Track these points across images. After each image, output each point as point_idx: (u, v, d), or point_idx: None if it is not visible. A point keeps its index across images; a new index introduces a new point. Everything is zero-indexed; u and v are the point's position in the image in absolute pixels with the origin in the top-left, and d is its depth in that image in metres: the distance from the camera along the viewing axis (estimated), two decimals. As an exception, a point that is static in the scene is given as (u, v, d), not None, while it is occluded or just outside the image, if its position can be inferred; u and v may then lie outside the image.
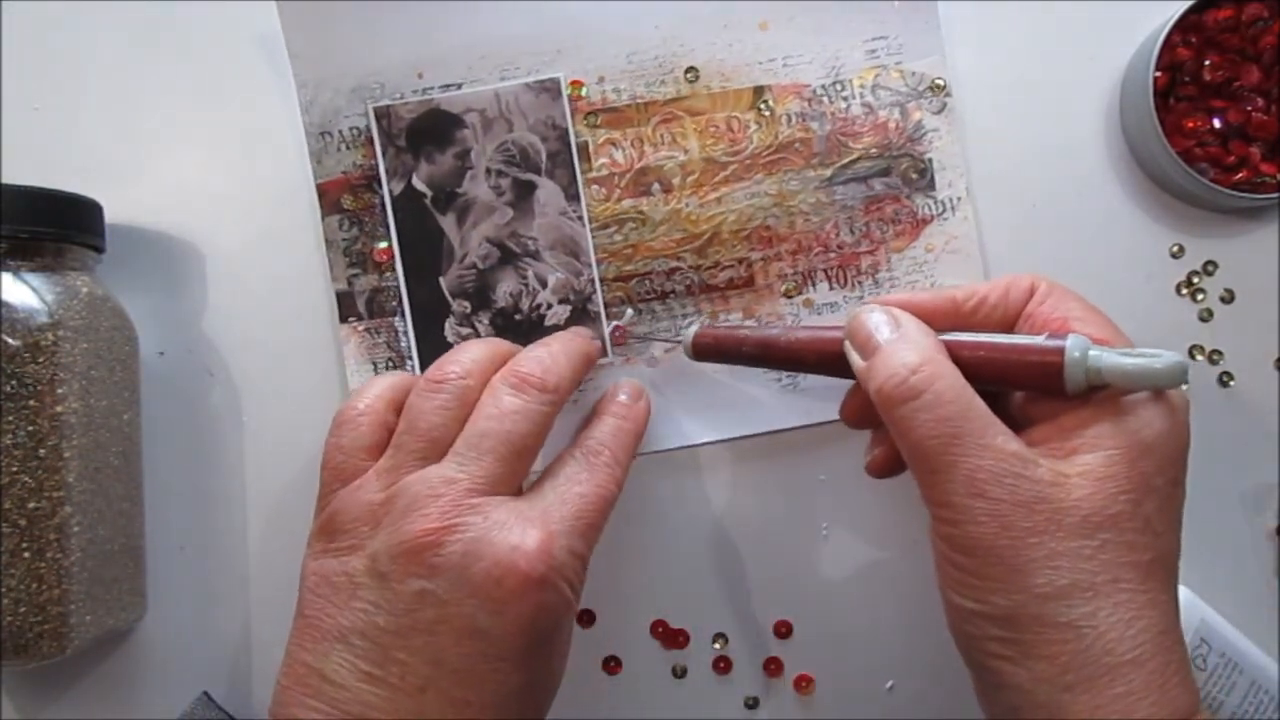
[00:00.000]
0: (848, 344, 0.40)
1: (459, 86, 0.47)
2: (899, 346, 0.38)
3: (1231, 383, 0.49)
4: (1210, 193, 0.46)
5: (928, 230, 0.48)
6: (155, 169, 0.48)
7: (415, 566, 0.36)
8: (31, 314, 0.41)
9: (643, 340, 0.48)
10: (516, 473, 0.39)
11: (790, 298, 0.48)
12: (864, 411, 0.43)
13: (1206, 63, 0.46)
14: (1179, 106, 0.47)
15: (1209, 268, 0.49)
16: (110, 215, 0.46)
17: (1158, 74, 0.46)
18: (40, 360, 0.41)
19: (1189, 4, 0.46)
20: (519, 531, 0.37)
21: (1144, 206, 0.49)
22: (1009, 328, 0.41)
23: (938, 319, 0.40)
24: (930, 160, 0.48)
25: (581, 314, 0.48)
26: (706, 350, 0.45)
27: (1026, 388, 0.38)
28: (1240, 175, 0.46)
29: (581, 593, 0.39)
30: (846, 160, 0.48)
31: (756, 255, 0.48)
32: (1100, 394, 0.37)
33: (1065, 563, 0.34)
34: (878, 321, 0.39)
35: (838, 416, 0.47)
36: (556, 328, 0.48)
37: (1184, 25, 0.46)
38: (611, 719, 0.49)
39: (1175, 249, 0.49)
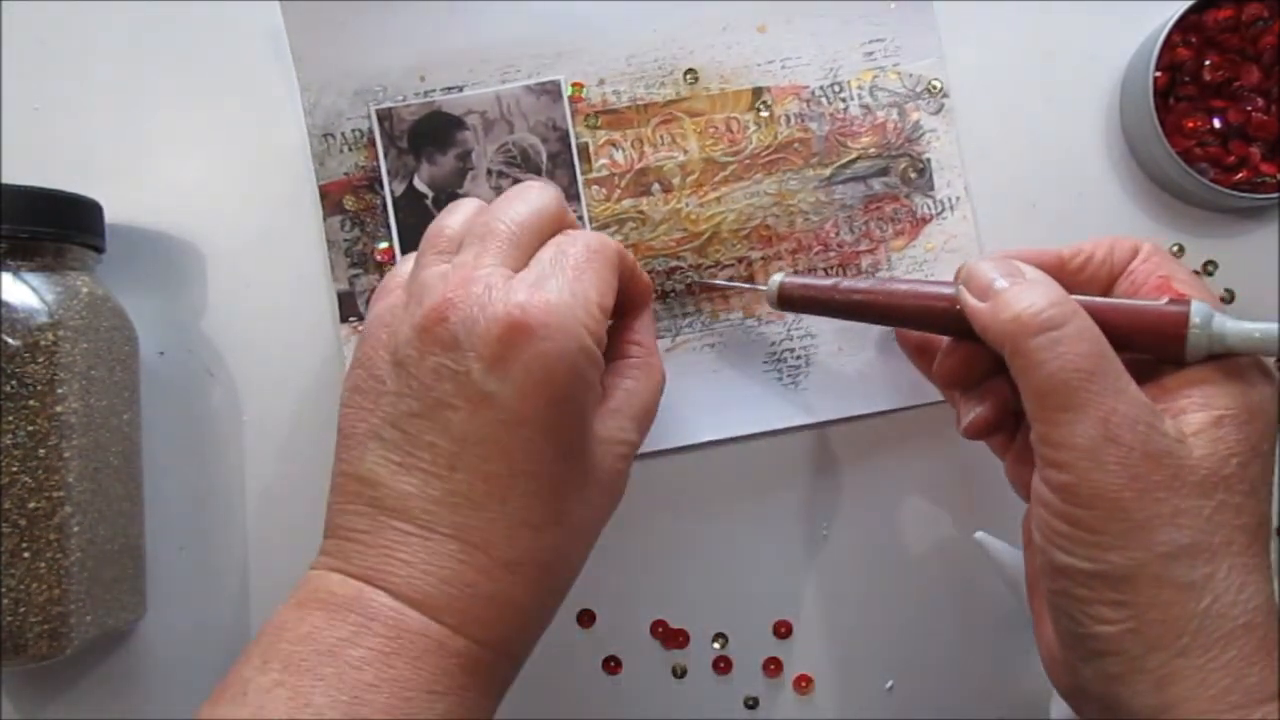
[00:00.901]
0: (962, 288, 0.39)
1: (460, 89, 0.48)
2: (1029, 286, 0.36)
3: (1231, 383, 0.49)
4: (1210, 193, 0.46)
5: (927, 229, 0.48)
6: (155, 169, 0.48)
7: (426, 344, 0.35)
8: (31, 314, 0.41)
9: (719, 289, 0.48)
10: (524, 249, 0.38)
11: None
12: (961, 369, 0.42)
13: (1206, 63, 0.46)
14: (1179, 106, 0.47)
15: (1209, 268, 0.49)
16: (110, 215, 0.46)
17: (1158, 74, 0.46)
18: (40, 360, 0.41)
19: (1189, 4, 0.46)
20: (520, 292, 0.35)
21: (1144, 206, 0.49)
22: (1110, 285, 0.41)
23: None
24: (928, 160, 0.48)
25: (581, 314, 0.48)
26: (794, 299, 0.44)
27: (1144, 351, 0.37)
28: (1240, 175, 0.46)
29: (601, 364, 0.37)
30: (845, 160, 0.48)
31: (756, 254, 0.48)
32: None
33: (1187, 521, 0.33)
34: (999, 268, 0.38)
35: (839, 416, 0.48)
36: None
37: (1184, 25, 0.46)
38: (611, 719, 0.49)
39: (1175, 249, 0.49)
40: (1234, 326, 0.36)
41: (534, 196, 0.39)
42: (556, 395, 0.35)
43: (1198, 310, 0.36)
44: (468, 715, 0.35)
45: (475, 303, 0.35)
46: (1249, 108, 0.47)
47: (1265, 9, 0.46)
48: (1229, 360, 0.36)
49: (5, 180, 0.43)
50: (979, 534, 0.47)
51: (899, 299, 0.41)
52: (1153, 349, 0.37)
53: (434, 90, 0.48)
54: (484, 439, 0.35)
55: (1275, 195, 0.46)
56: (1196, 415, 0.35)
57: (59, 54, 0.48)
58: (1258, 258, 0.49)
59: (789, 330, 0.48)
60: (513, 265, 0.37)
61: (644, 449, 0.47)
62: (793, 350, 0.48)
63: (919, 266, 0.48)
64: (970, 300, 0.38)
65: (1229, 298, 0.49)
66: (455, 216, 0.40)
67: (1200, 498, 0.34)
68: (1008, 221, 0.49)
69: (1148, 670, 0.34)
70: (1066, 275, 0.40)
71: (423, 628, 0.34)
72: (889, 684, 0.49)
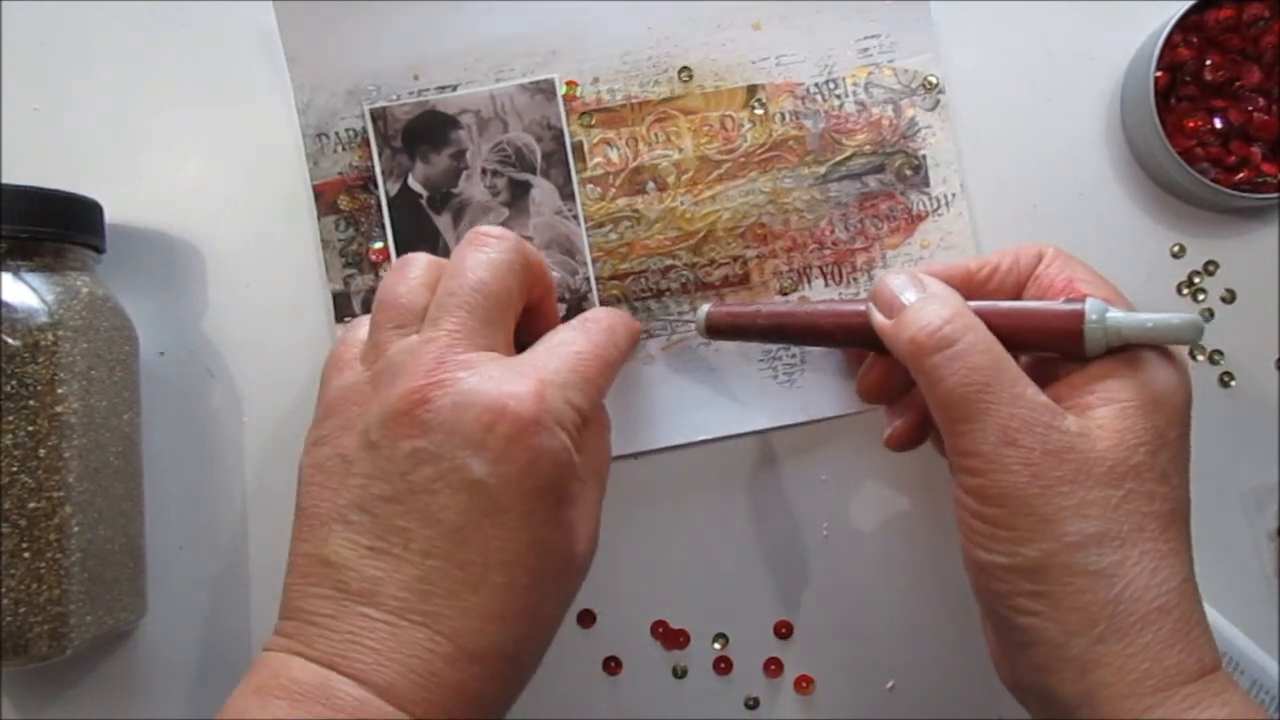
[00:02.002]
0: (871, 306, 0.40)
1: (454, 88, 0.48)
2: (929, 302, 0.38)
3: (1232, 383, 0.49)
4: (1211, 193, 0.46)
5: (922, 226, 0.48)
6: (155, 169, 0.49)
7: (406, 428, 0.35)
8: (31, 314, 0.41)
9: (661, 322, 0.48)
10: (496, 325, 0.38)
11: (786, 295, 0.48)
12: (882, 383, 0.44)
13: (1208, 62, 0.46)
14: (1180, 106, 0.47)
15: (1210, 268, 0.49)
16: (110, 215, 0.46)
17: (1158, 74, 0.46)
18: (40, 360, 0.41)
19: (1190, 4, 0.46)
20: (510, 380, 0.35)
21: (1144, 206, 0.49)
22: (1019, 292, 0.42)
23: (953, 286, 0.40)
24: (924, 157, 0.48)
25: (577, 312, 0.48)
26: (721, 328, 0.45)
27: (1047, 350, 0.39)
28: (1241, 175, 0.46)
29: (578, 452, 0.37)
30: (840, 157, 0.48)
31: (751, 253, 0.48)
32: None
33: (1094, 511, 0.35)
34: (904, 283, 0.40)
35: (836, 413, 0.47)
36: (552, 327, 0.48)
37: (1185, 25, 0.46)
38: (611, 719, 0.49)
39: (1176, 249, 0.49)
40: (1128, 319, 0.37)
41: (495, 255, 0.38)
42: (540, 487, 0.35)
43: (1093, 306, 0.37)
44: None
45: (463, 387, 0.35)
46: (1250, 107, 0.46)
47: (1266, 9, 0.46)
48: (1132, 352, 0.37)
49: (5, 180, 0.43)
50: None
51: (817, 319, 0.43)
52: (1055, 348, 0.38)
53: (428, 89, 0.48)
54: (462, 526, 0.34)
55: (1276, 195, 0.46)
56: (1102, 409, 0.36)
57: (59, 54, 0.48)
58: (1258, 258, 0.49)
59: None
60: (486, 343, 0.37)
61: (642, 448, 0.48)
62: (788, 348, 0.48)
63: (914, 264, 0.48)
64: (878, 317, 0.40)
65: (1230, 298, 0.49)
66: (407, 282, 0.39)
67: (1108, 488, 0.35)
68: (1008, 221, 0.49)
69: (1070, 658, 0.35)
70: (975, 286, 0.42)
71: (388, 718, 0.33)
72: (889, 684, 0.49)
